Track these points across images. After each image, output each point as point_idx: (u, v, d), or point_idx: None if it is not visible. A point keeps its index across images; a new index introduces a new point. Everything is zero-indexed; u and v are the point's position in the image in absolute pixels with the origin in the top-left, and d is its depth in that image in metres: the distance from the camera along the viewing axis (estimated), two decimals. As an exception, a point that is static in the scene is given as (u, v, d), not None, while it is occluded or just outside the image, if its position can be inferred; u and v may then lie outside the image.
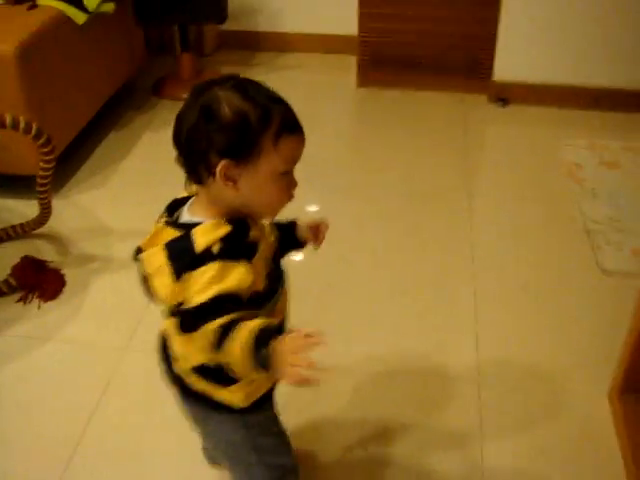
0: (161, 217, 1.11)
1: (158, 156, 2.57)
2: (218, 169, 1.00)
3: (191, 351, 1.03)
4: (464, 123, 3.10)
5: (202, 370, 1.11)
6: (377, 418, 1.67)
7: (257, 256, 1.07)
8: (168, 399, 1.24)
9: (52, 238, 2.24)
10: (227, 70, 3.42)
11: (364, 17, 3.21)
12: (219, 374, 1.07)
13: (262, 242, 1.10)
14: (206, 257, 1.00)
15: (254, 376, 1.06)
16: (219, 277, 0.99)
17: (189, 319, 1.00)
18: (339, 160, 2.81)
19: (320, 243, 1.27)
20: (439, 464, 1.55)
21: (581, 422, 1.67)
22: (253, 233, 1.08)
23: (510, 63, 3.15)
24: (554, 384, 1.77)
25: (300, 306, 1.30)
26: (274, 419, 1.28)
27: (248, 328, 0.96)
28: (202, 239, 1.02)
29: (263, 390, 1.20)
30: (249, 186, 1.04)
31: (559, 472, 1.54)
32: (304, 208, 2.35)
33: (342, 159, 2.84)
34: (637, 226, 2.26)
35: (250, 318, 0.98)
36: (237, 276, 1.00)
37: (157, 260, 1.04)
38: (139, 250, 1.07)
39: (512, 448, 1.59)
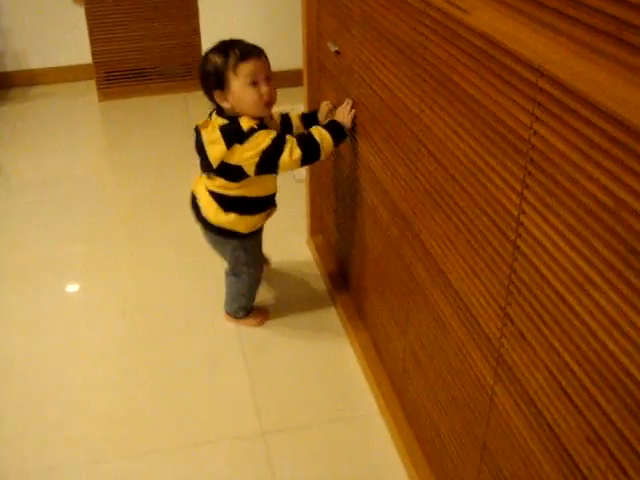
0: (209, 116, 1.86)
1: None
2: (215, 97, 1.80)
3: (289, 166, 1.82)
4: (187, 114, 3.91)
5: (225, 206, 1.91)
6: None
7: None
8: None
9: None
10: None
11: (95, 42, 3.97)
12: (233, 206, 1.90)
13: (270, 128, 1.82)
14: (252, 131, 1.77)
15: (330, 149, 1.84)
16: (266, 133, 1.78)
17: (265, 159, 1.80)
18: (91, 169, 3.38)
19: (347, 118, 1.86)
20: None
21: (295, 263, 2.47)
22: (266, 123, 1.82)
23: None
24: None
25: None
26: (259, 248, 2.09)
27: (318, 131, 1.84)
28: (246, 124, 1.78)
29: (259, 225, 2.00)
30: (234, 99, 1.78)
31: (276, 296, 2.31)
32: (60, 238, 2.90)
33: (94, 167, 3.42)
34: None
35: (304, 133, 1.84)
36: (271, 134, 1.77)
37: (214, 135, 1.79)
38: (197, 127, 1.85)
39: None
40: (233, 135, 1.77)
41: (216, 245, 2.06)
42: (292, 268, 2.47)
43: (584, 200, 0.85)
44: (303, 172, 2.53)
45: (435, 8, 1.23)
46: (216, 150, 1.80)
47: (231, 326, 2.19)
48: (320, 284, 2.35)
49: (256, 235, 2.05)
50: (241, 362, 2.03)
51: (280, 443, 1.77)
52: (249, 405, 1.88)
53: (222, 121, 1.80)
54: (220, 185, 1.89)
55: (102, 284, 2.43)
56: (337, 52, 1.94)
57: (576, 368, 0.92)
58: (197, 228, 2.46)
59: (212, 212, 1.94)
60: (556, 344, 0.96)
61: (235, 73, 1.76)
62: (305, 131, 1.87)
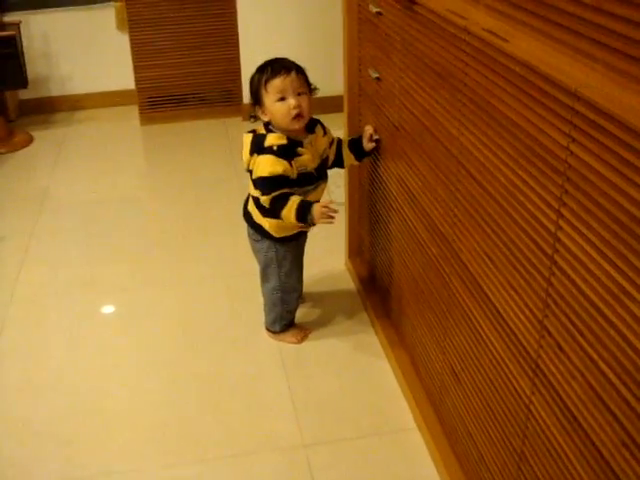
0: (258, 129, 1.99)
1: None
2: (257, 113, 1.98)
3: (265, 202, 1.94)
4: (227, 139, 4.02)
5: (262, 211, 2.02)
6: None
7: (294, 162, 1.92)
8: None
9: None
10: (34, 131, 4.17)
11: (138, 69, 4.12)
12: (268, 214, 1.99)
13: (304, 156, 1.96)
14: (268, 150, 1.91)
15: (292, 224, 1.93)
16: (273, 164, 1.89)
17: (257, 185, 1.95)
18: (134, 191, 3.49)
19: (373, 140, 2.07)
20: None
21: (334, 285, 2.57)
22: (299, 150, 1.94)
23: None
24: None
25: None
26: (292, 257, 2.13)
27: (293, 201, 1.89)
28: (270, 140, 1.92)
29: (285, 233, 2.06)
30: (268, 112, 1.94)
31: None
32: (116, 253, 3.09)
33: (136, 189, 3.52)
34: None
35: (291, 194, 1.90)
36: (281, 166, 1.90)
37: (247, 140, 1.98)
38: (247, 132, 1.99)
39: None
40: (256, 145, 1.94)
41: (254, 243, 2.14)
42: (331, 289, 2.54)
43: (618, 215, 0.91)
44: (341, 195, 2.60)
45: (475, 36, 1.30)
46: (243, 153, 1.98)
47: (272, 342, 2.26)
48: (358, 304, 2.42)
49: (292, 242, 2.10)
50: (282, 377, 2.10)
51: (320, 455, 1.83)
52: (290, 418, 1.95)
53: (261, 131, 1.97)
54: (256, 192, 2.00)
55: (146, 301, 2.53)
56: (378, 78, 2.02)
57: (612, 376, 0.97)
58: (237, 248, 2.57)
59: (255, 212, 2.06)
60: (592, 354, 1.01)
61: (266, 90, 1.91)
62: (291, 194, 1.95)
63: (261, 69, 1.94)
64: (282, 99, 1.90)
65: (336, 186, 3.14)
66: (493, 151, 1.28)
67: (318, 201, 1.95)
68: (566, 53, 1.01)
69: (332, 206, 1.86)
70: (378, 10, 1.93)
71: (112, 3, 4.25)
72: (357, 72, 2.25)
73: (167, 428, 1.94)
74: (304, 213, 1.87)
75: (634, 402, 0.92)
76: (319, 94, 2.07)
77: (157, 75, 4.15)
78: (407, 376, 2.01)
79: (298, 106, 1.88)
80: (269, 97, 1.91)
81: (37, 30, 4.24)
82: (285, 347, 2.23)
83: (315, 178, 2.00)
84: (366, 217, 2.38)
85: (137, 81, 4.13)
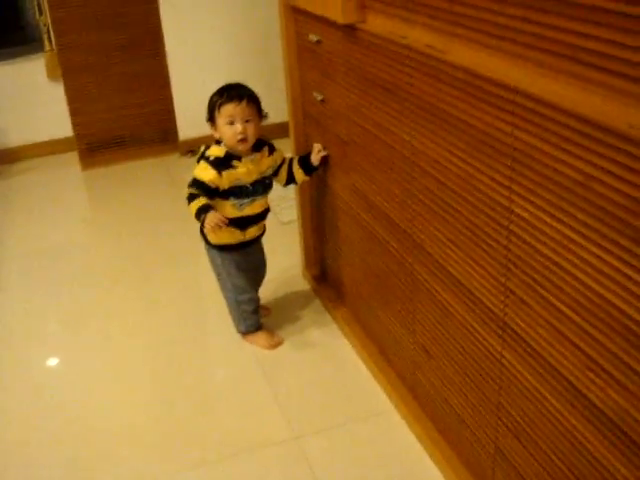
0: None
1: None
2: (210, 128, 2.20)
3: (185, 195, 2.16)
4: (168, 175, 4.18)
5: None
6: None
7: (226, 173, 2.15)
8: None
9: None
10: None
11: (74, 115, 4.24)
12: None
13: (239, 169, 2.18)
14: (205, 158, 2.17)
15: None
16: (203, 169, 2.15)
17: (190, 182, 2.16)
18: (79, 235, 3.59)
19: (319, 158, 2.31)
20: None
21: (294, 294, 2.75)
22: (235, 163, 2.17)
23: (189, 125, 4.31)
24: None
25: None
26: (237, 263, 2.32)
27: (200, 201, 2.10)
28: (210, 151, 2.18)
29: (224, 241, 2.27)
30: (219, 131, 2.16)
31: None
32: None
33: (82, 233, 3.62)
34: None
35: (206, 198, 2.12)
36: (208, 175, 2.15)
37: (198, 153, 2.22)
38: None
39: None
40: (200, 155, 2.22)
41: (206, 252, 2.38)
42: (292, 298, 2.73)
43: (560, 180, 1.14)
44: (291, 214, 2.80)
45: (417, 52, 1.53)
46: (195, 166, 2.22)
47: (247, 348, 2.43)
48: (320, 308, 2.63)
49: (233, 252, 2.31)
50: (261, 378, 2.28)
51: (312, 444, 2.00)
52: (277, 414, 2.12)
53: (212, 144, 2.23)
54: None
55: (119, 330, 2.66)
56: (322, 100, 2.24)
57: (571, 314, 1.19)
58: (196, 274, 2.75)
59: None
60: (552, 299, 1.24)
61: (219, 112, 2.15)
62: (201, 196, 2.16)
63: (220, 92, 2.16)
64: (231, 123, 2.13)
65: (281, 208, 3.34)
66: (445, 147, 1.50)
67: (254, 214, 2.28)
68: (500, 57, 1.24)
69: (222, 221, 2.11)
70: (318, 39, 2.15)
71: (42, 53, 4.33)
72: (300, 97, 2.46)
73: (165, 437, 2.07)
74: (200, 213, 2.10)
75: (593, 331, 1.14)
76: (267, 121, 2.31)
77: (94, 120, 4.27)
78: (378, 363, 2.21)
79: (243, 132, 2.12)
80: (221, 119, 2.14)
81: (-33, 88, 4.25)
82: (260, 352, 2.41)
83: (251, 192, 2.22)
84: (320, 228, 2.58)
85: (74, 126, 4.24)
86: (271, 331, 2.50)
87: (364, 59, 1.83)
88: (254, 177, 2.21)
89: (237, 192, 2.19)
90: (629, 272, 1.02)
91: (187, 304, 2.77)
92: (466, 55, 1.33)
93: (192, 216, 2.13)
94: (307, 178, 2.40)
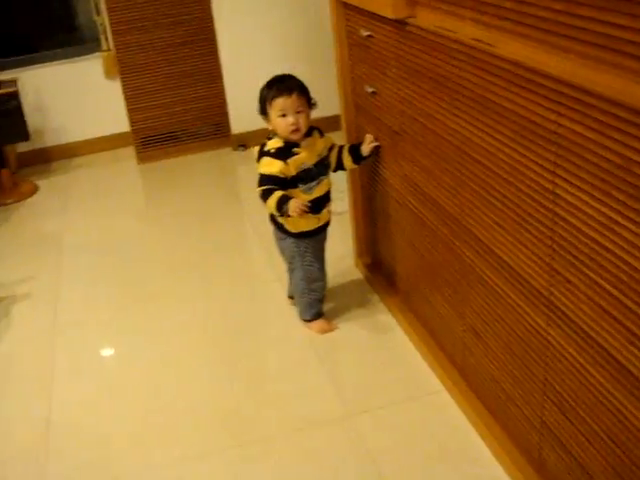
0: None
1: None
2: (264, 120, 2.29)
3: (257, 194, 2.28)
4: (220, 168, 4.32)
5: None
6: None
7: (291, 161, 2.25)
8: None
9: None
10: (38, 180, 4.42)
11: (132, 111, 4.40)
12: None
13: (302, 154, 2.28)
14: (267, 154, 2.27)
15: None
16: (268, 164, 2.26)
17: (258, 181, 2.27)
18: (135, 229, 3.66)
19: (371, 148, 2.38)
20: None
21: (347, 282, 2.81)
22: (295, 149, 2.26)
23: (240, 119, 4.44)
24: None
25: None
26: (313, 250, 2.43)
27: (277, 194, 2.20)
28: (269, 145, 2.27)
29: (301, 228, 2.37)
30: (272, 123, 2.26)
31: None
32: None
33: (137, 226, 3.69)
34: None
35: (280, 190, 2.22)
36: (276, 166, 2.24)
37: (255, 151, 2.33)
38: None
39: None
40: (259, 152, 2.30)
41: (279, 242, 2.47)
42: (345, 286, 2.83)
43: (601, 164, 1.21)
44: (343, 205, 2.90)
45: (465, 45, 1.61)
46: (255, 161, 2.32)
47: (304, 335, 2.54)
48: (372, 295, 2.73)
49: (310, 238, 2.42)
50: (316, 360, 2.39)
51: (365, 423, 2.10)
52: (332, 395, 2.24)
53: (266, 140, 2.32)
54: None
55: (176, 315, 2.80)
56: (374, 92, 2.33)
57: (614, 291, 1.26)
58: (253, 263, 2.93)
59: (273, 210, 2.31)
60: (596, 277, 1.31)
61: (270, 105, 2.24)
62: (276, 190, 2.26)
63: (269, 85, 2.26)
64: (283, 115, 2.23)
65: (334, 199, 3.41)
66: (493, 136, 1.58)
67: (322, 195, 2.37)
68: (545, 49, 1.31)
69: (305, 204, 2.21)
70: (369, 33, 2.24)
71: (99, 54, 4.50)
72: (351, 90, 2.55)
73: (224, 415, 2.20)
74: (281, 204, 2.20)
75: (633, 306, 1.22)
76: (317, 114, 2.40)
77: (149, 116, 4.43)
78: (429, 346, 2.29)
79: (295, 123, 2.22)
80: (273, 112, 2.24)
81: (29, 86, 4.47)
82: (315, 336, 2.51)
83: (316, 173, 2.32)
84: (372, 218, 2.67)
85: (132, 122, 4.40)
86: (328, 318, 2.60)
87: (414, 52, 1.91)
88: (315, 159, 2.31)
89: (303, 177, 2.29)
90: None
91: (241, 290, 2.90)
92: (512, 48, 1.41)
93: (272, 210, 2.25)
94: (355, 166, 2.50)
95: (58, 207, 4.02)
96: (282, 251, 2.50)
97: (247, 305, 2.79)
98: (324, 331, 2.53)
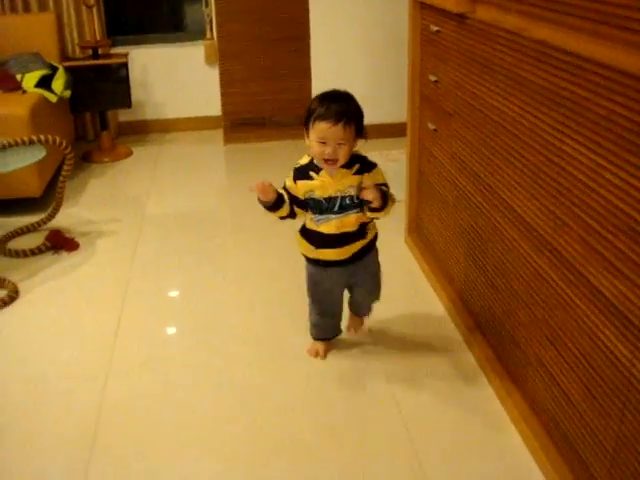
0: None
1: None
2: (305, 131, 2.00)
3: None
4: (299, 156, 4.63)
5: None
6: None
7: (301, 183, 2.07)
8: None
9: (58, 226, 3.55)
10: (134, 147, 4.89)
11: (225, 95, 4.83)
12: (301, 228, 2.19)
13: (314, 182, 2.05)
14: (295, 169, 2.10)
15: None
16: (288, 176, 2.09)
17: None
18: (213, 200, 4.00)
19: (368, 198, 1.99)
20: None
21: (395, 260, 2.79)
22: (311, 173, 2.05)
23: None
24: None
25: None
26: (313, 282, 2.24)
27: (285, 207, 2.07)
28: (302, 159, 2.12)
29: (301, 250, 2.20)
30: (309, 143, 2.01)
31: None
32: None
33: (215, 199, 4.03)
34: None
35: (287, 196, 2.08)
36: (288, 180, 2.11)
37: None
38: None
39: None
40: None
41: None
42: (393, 267, 2.85)
43: (592, 117, 1.50)
44: (400, 194, 3.12)
45: (507, 31, 1.93)
46: None
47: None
48: (421, 279, 2.96)
49: (317, 267, 2.21)
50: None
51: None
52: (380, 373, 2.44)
53: None
54: None
55: (232, 274, 3.13)
56: (436, 81, 2.66)
57: (602, 230, 1.52)
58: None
59: None
60: (587, 219, 1.57)
61: (313, 126, 1.97)
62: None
63: (321, 101, 1.99)
64: (322, 142, 1.96)
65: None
66: (520, 107, 1.88)
67: (330, 233, 2.13)
68: (564, 31, 1.60)
69: (265, 183, 2.04)
70: (438, 29, 2.59)
71: (202, 41, 4.97)
72: (418, 80, 2.87)
73: (253, 416, 2.15)
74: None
75: (617, 241, 1.51)
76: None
77: (240, 101, 4.85)
78: (452, 299, 2.59)
79: (332, 155, 1.96)
80: (313, 134, 1.98)
81: (138, 62, 4.97)
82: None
83: (325, 208, 2.07)
84: (424, 197, 2.97)
85: (223, 105, 4.83)
86: (330, 344, 2.39)
87: (470, 42, 2.22)
88: (329, 193, 2.05)
89: (312, 205, 2.09)
90: None
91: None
92: (543, 31, 1.70)
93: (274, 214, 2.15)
94: (377, 215, 2.11)
95: (148, 172, 4.46)
96: None
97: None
98: (309, 351, 2.39)
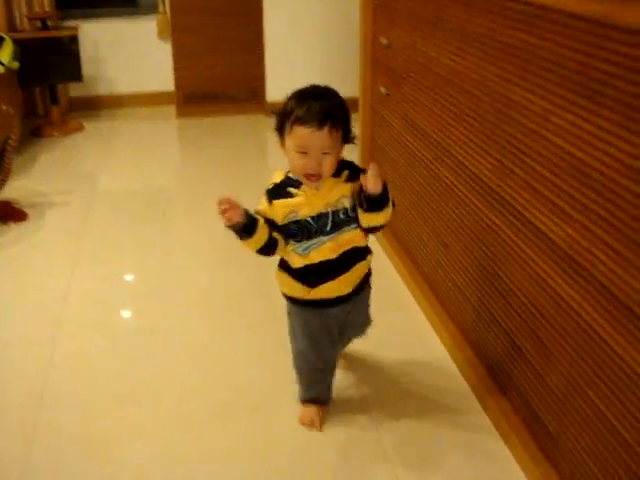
0: None
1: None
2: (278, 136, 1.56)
3: None
4: (252, 132, 4.61)
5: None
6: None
7: (278, 202, 1.58)
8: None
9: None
10: (85, 122, 4.79)
11: (178, 70, 4.79)
12: (281, 262, 1.71)
13: (296, 198, 1.58)
14: (268, 190, 1.62)
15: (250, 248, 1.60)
16: (260, 202, 1.61)
17: None
18: (165, 173, 3.99)
19: (370, 185, 1.50)
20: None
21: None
22: (290, 189, 1.58)
23: (276, 88, 4.75)
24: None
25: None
26: (311, 327, 1.71)
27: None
28: (276, 177, 1.65)
29: (286, 291, 1.72)
30: (286, 153, 1.55)
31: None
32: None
33: (167, 171, 4.03)
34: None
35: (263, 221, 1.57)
36: (261, 204, 1.62)
37: None
38: None
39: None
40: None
41: None
42: None
43: (542, 63, 1.52)
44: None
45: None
46: None
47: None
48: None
49: (314, 311, 1.72)
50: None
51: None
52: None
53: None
54: None
55: (180, 254, 3.10)
56: (387, 45, 2.65)
57: (550, 175, 1.53)
58: None
59: None
60: (536, 165, 1.59)
61: (290, 131, 1.53)
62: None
63: (299, 99, 1.55)
64: (302, 152, 1.53)
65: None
66: (469, 60, 1.90)
67: (326, 260, 1.66)
68: None
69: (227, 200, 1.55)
70: (389, -9, 2.58)
71: (154, 15, 4.91)
72: (370, 44, 2.86)
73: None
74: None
75: (567, 187, 1.53)
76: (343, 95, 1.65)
77: (193, 74, 4.80)
78: (408, 267, 2.61)
79: (316, 168, 1.53)
80: (291, 141, 1.53)
81: (89, 37, 4.87)
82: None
83: (314, 230, 1.61)
84: (376, 162, 2.95)
85: (176, 79, 4.79)
86: (325, 408, 1.87)
87: (421, 1, 2.22)
88: (318, 209, 1.60)
89: (295, 231, 1.60)
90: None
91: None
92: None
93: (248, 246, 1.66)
94: (375, 218, 1.62)
95: (100, 147, 4.40)
96: None
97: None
98: (302, 419, 1.85)
